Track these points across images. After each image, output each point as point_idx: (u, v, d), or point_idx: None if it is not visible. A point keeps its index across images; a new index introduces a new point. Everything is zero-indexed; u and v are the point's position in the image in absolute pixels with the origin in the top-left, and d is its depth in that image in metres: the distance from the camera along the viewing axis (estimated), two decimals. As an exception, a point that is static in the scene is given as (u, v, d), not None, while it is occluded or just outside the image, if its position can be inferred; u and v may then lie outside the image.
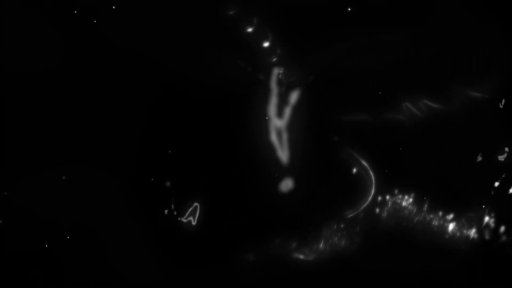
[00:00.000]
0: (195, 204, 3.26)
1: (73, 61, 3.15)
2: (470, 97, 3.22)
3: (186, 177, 3.27)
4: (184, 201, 3.26)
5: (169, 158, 3.25)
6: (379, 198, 3.29)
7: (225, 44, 3.16)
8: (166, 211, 3.26)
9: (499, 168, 3.25)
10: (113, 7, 3.13)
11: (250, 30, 3.15)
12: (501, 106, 3.21)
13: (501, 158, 3.24)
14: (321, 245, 3.31)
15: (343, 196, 3.32)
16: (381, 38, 3.20)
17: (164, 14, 3.14)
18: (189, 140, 3.25)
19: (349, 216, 3.30)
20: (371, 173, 3.28)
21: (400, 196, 3.29)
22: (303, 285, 3.33)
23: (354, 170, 3.30)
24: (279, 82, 3.23)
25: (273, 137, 3.24)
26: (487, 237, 3.29)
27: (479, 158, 3.25)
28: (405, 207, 3.28)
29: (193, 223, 3.25)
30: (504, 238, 3.27)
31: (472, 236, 3.29)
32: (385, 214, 3.29)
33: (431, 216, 3.29)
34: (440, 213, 3.29)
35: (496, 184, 3.26)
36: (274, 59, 3.21)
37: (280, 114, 3.25)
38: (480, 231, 3.29)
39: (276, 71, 3.21)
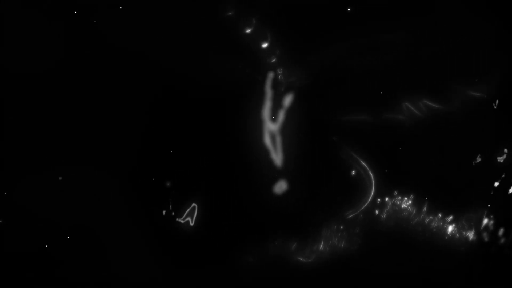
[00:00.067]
0: (193, 204, 3.26)
1: (73, 61, 3.15)
2: (470, 97, 3.22)
3: (185, 177, 3.27)
4: (183, 201, 3.26)
5: (168, 158, 3.25)
6: (379, 200, 3.29)
7: (224, 45, 3.16)
8: (165, 211, 3.26)
9: (499, 168, 3.24)
10: (113, 7, 3.13)
11: (249, 31, 3.15)
12: (494, 107, 3.21)
13: (500, 159, 3.23)
14: (321, 246, 3.30)
15: (343, 196, 3.31)
16: (381, 38, 3.19)
17: (163, 14, 3.14)
18: (188, 141, 3.25)
19: (350, 216, 3.30)
20: (371, 173, 3.28)
21: (399, 197, 3.28)
22: (303, 286, 3.33)
23: (354, 170, 3.29)
24: (279, 83, 3.23)
25: (272, 138, 3.24)
26: (486, 238, 3.29)
27: (479, 159, 3.24)
28: (405, 209, 3.28)
29: (191, 224, 3.25)
30: (503, 239, 3.26)
31: (471, 237, 3.29)
32: (384, 215, 3.29)
33: (431, 217, 3.29)
34: (440, 215, 3.29)
35: (496, 184, 3.26)
36: (273, 60, 3.21)
37: (279, 114, 3.25)
38: (479, 233, 3.28)
39: (272, 75, 3.21)
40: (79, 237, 3.21)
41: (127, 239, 3.21)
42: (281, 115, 3.25)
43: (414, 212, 3.28)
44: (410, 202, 3.28)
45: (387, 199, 3.29)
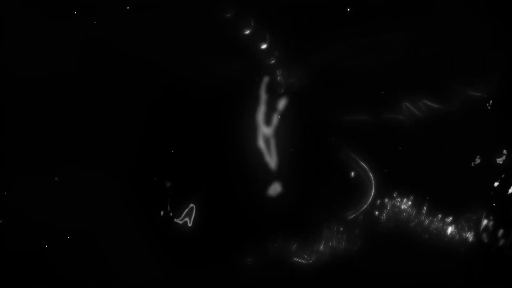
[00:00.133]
0: (191, 205, 3.26)
1: (73, 61, 3.14)
2: (470, 97, 3.21)
3: (184, 178, 3.27)
4: (182, 201, 3.26)
5: (167, 158, 3.25)
6: (378, 201, 3.29)
7: (223, 46, 3.16)
8: (165, 212, 3.26)
9: (499, 169, 3.24)
10: (113, 7, 3.13)
11: (248, 32, 3.15)
12: (488, 107, 3.20)
13: (500, 160, 3.23)
14: (321, 246, 3.30)
15: (343, 197, 3.31)
16: (381, 38, 3.19)
17: (163, 14, 3.14)
18: (188, 141, 3.25)
19: (350, 217, 3.30)
20: (371, 174, 3.28)
21: (399, 199, 3.28)
22: (303, 286, 3.33)
23: (354, 170, 3.29)
24: (278, 84, 3.23)
25: (266, 142, 3.24)
26: (486, 239, 3.28)
27: (479, 159, 3.24)
28: (405, 210, 3.28)
29: (189, 224, 3.25)
30: (503, 240, 3.25)
31: (471, 238, 3.28)
32: (384, 216, 3.28)
33: (430, 218, 3.28)
34: (439, 216, 3.28)
35: (496, 185, 3.25)
36: (272, 61, 3.21)
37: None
38: (479, 233, 3.28)
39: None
40: (79, 237, 3.21)
41: (127, 239, 3.22)
42: (283, 115, 3.25)
43: (414, 213, 3.28)
44: (409, 203, 3.28)
45: (386, 200, 3.28)
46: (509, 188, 3.26)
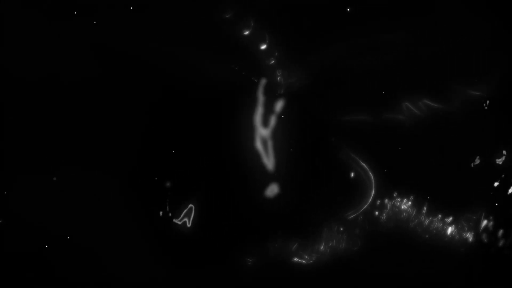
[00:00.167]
0: (190, 205, 3.26)
1: (73, 61, 3.14)
2: (470, 97, 3.21)
3: (184, 178, 3.27)
4: (182, 201, 3.27)
5: (167, 159, 3.26)
6: (378, 201, 3.29)
7: (223, 46, 3.16)
8: (165, 212, 3.26)
9: (498, 169, 3.24)
10: (113, 7, 3.13)
11: (247, 32, 3.15)
12: (485, 107, 3.20)
13: (499, 161, 3.23)
14: (321, 246, 3.30)
15: (343, 196, 3.31)
16: (381, 38, 3.19)
17: (163, 15, 3.14)
18: (187, 141, 3.25)
19: (350, 217, 3.30)
20: (371, 174, 3.28)
21: (399, 198, 3.28)
22: (303, 286, 3.33)
23: (354, 170, 3.29)
24: (278, 84, 3.23)
25: (264, 143, 3.24)
26: (486, 239, 3.28)
27: (479, 159, 3.24)
28: (405, 210, 3.28)
29: (188, 225, 3.26)
30: (503, 240, 3.25)
31: (471, 238, 3.28)
32: (384, 216, 3.28)
33: (430, 218, 3.28)
34: (439, 216, 3.29)
35: (496, 185, 3.25)
36: (272, 61, 3.21)
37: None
38: (479, 233, 3.28)
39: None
40: (79, 237, 3.21)
41: (127, 239, 3.22)
42: (283, 115, 3.25)
43: (414, 213, 3.28)
44: (409, 203, 3.28)
45: (386, 200, 3.28)
46: (509, 188, 3.26)
